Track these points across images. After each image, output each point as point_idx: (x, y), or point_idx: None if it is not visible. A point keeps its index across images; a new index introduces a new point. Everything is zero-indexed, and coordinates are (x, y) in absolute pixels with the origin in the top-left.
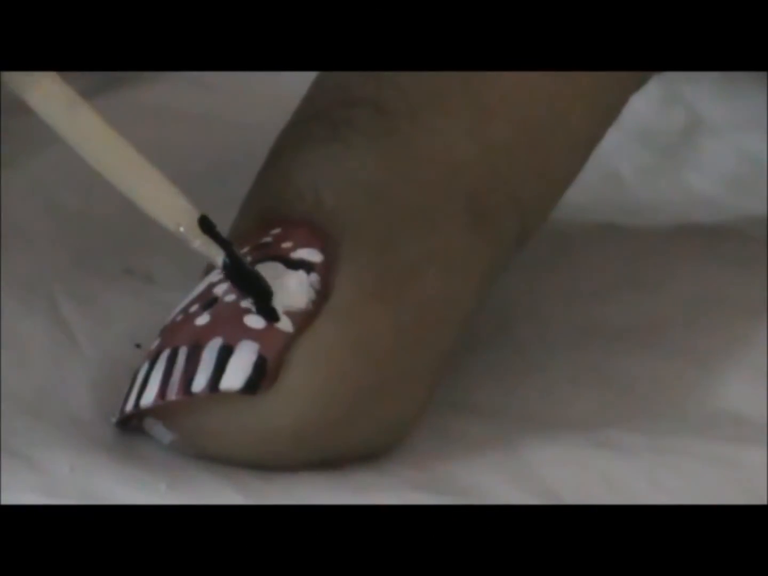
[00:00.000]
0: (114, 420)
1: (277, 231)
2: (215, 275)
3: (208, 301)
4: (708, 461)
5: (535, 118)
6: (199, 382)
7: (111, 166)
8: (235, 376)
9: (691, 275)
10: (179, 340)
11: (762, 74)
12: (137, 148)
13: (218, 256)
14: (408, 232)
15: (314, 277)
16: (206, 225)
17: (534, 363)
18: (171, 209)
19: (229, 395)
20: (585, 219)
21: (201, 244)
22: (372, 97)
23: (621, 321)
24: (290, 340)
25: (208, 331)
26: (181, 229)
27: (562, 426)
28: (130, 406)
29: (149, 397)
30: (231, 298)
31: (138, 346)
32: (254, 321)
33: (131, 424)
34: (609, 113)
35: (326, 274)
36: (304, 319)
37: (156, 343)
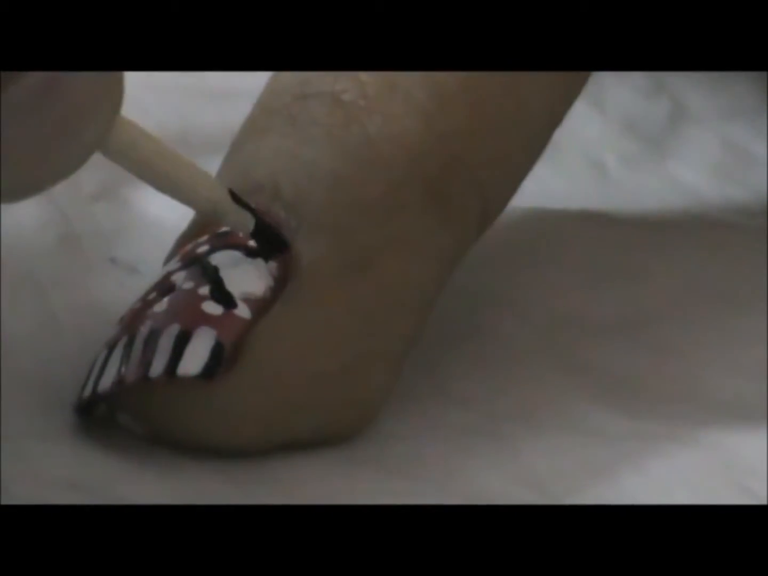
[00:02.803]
0: (73, 405)
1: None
2: (173, 263)
3: (166, 287)
4: (692, 446)
5: (494, 102)
6: (157, 368)
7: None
8: (192, 362)
9: (675, 265)
10: (137, 326)
11: None
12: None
13: (249, 223)
14: (366, 218)
15: (272, 264)
16: (235, 196)
17: (518, 353)
18: (206, 189)
19: (188, 382)
20: (568, 208)
21: (235, 214)
22: (329, 90)
23: (605, 311)
24: (248, 326)
25: (165, 318)
26: (218, 204)
27: (546, 415)
28: (88, 392)
29: (106, 382)
30: (189, 285)
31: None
32: (212, 308)
33: (96, 413)
34: (568, 95)
35: (285, 262)
36: (262, 306)
37: (115, 331)
